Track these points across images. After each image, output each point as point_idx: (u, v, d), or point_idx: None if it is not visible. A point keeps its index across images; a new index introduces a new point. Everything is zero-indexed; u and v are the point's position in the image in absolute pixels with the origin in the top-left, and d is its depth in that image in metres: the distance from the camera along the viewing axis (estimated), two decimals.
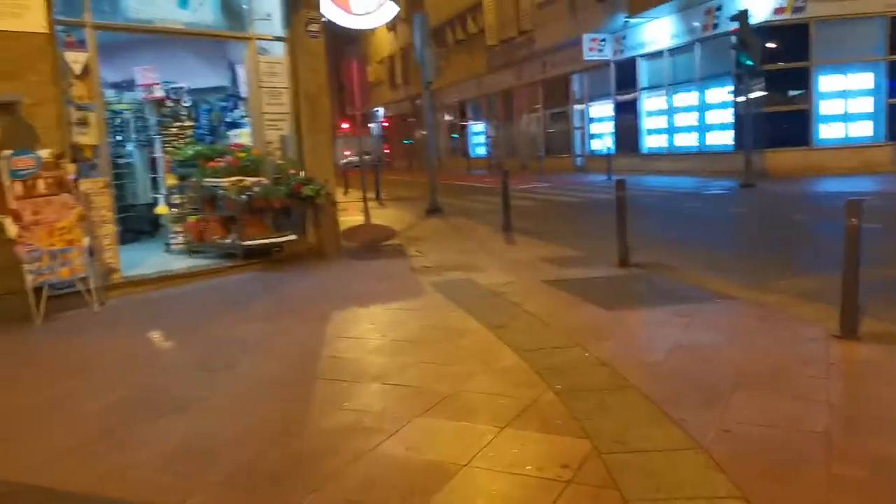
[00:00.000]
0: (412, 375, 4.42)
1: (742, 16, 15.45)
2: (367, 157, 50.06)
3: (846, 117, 18.03)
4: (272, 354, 5.12)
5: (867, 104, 17.84)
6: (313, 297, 7.02)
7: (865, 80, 17.80)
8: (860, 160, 17.59)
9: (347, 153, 48.09)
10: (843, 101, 17.98)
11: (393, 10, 10.13)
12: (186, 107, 10.43)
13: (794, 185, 16.16)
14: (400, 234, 11.34)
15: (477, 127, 38.45)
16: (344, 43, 49.63)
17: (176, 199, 9.45)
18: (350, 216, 14.04)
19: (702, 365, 4.36)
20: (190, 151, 9.20)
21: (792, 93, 17.89)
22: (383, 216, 14.51)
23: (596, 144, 26.80)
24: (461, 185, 24.49)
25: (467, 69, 35.38)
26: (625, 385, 4.04)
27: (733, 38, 18.19)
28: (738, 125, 18.84)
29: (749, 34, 15.40)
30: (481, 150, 37.40)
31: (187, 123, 10.24)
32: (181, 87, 10.29)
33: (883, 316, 5.13)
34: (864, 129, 17.95)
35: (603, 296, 6.35)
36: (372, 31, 49.85)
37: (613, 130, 25.01)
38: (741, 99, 17.68)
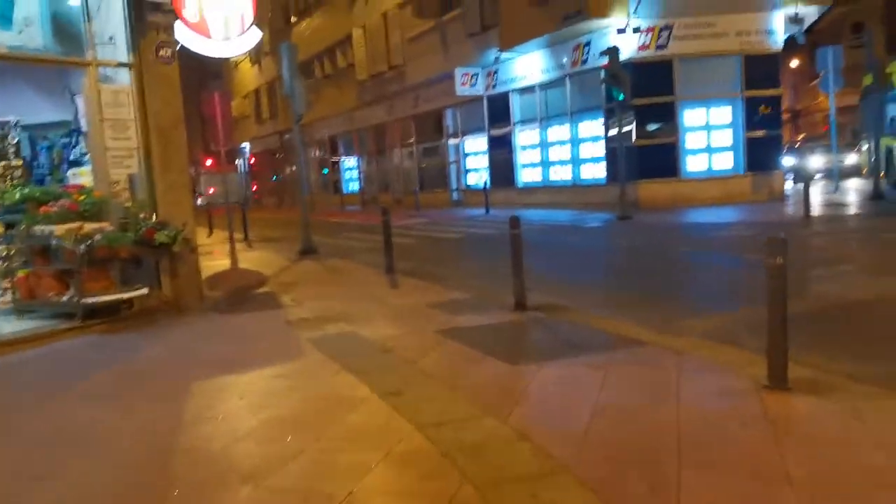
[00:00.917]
0: (293, 472, 3.53)
1: (612, 51, 15.67)
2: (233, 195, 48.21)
3: (709, 150, 18.73)
4: (111, 451, 4.05)
5: (727, 137, 18.63)
6: (168, 365, 5.93)
7: (725, 114, 18.60)
8: (723, 190, 18.26)
9: (211, 191, 45.61)
10: (706, 135, 18.67)
11: (256, 37, 9.23)
12: (14, 143, 9.00)
13: (667, 216, 16.45)
14: (272, 279, 10.31)
15: (349, 162, 37.66)
16: (206, 77, 47.62)
17: (1, 250, 8.03)
18: (215, 260, 12.82)
19: (635, 433, 3.76)
20: (17, 195, 7.84)
21: (660, 127, 18.37)
22: (252, 259, 13.38)
23: (472, 179, 26.69)
24: (335, 223, 23.57)
25: (337, 104, 34.63)
26: (555, 468, 3.35)
27: (602, 74, 18.60)
28: (610, 158, 19.16)
29: (619, 69, 15.63)
30: (354, 186, 36.59)
31: (15, 162, 8.81)
32: (6, 121, 8.88)
33: (802, 359, 4.75)
34: (726, 161, 18.71)
35: (505, 347, 5.72)
36: (235, 63, 48.19)
37: (489, 164, 24.97)
38: (613, 132, 17.97)
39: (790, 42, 18.83)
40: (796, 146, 34.64)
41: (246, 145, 51.01)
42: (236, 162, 54.91)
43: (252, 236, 18.49)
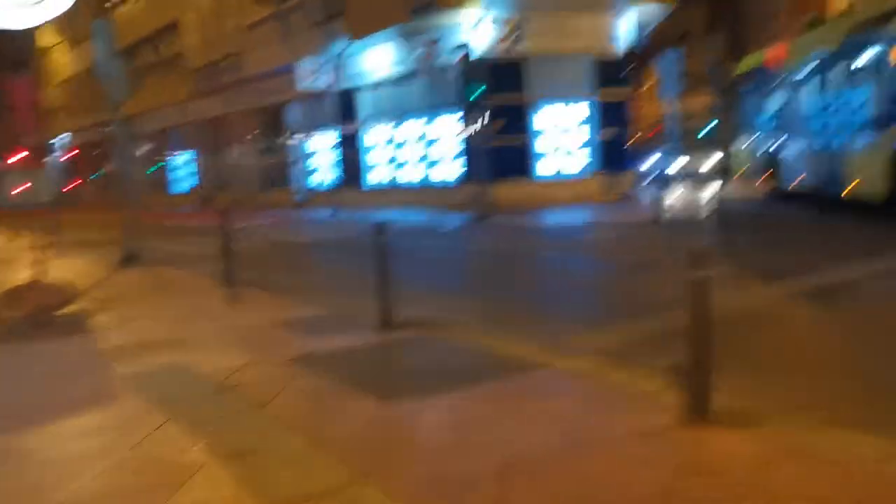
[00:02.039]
0: None
1: (464, 46, 15.07)
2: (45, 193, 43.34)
3: (561, 151, 18.69)
4: None
5: (580, 138, 18.67)
6: None
7: (577, 114, 18.62)
8: (574, 192, 18.29)
9: (16, 191, 40.48)
10: (558, 135, 18.61)
11: (62, 4, 7.64)
12: None
13: (524, 217, 16.13)
14: (85, 294, 8.65)
15: (183, 158, 34.89)
16: (8, 64, 42.54)
17: None
18: (15, 272, 10.79)
19: (562, 496, 2.92)
20: None
21: (514, 126, 18.07)
22: (64, 269, 11.39)
23: (317, 178, 25.33)
24: (166, 225, 21.42)
25: (169, 94, 31.90)
26: None
27: (450, 71, 18.03)
28: (465, 158, 18.64)
29: (472, 66, 15.05)
30: (188, 184, 33.93)
31: None
32: None
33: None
34: (578, 163, 18.75)
35: (376, 378, 4.75)
36: (47, 48, 43.34)
37: (335, 163, 23.74)
38: (467, 132, 17.46)
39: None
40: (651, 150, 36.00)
41: (66, 137, 46.19)
42: (46, 158, 49.73)
43: (67, 240, 16.16)
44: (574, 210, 16.87)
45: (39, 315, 7.46)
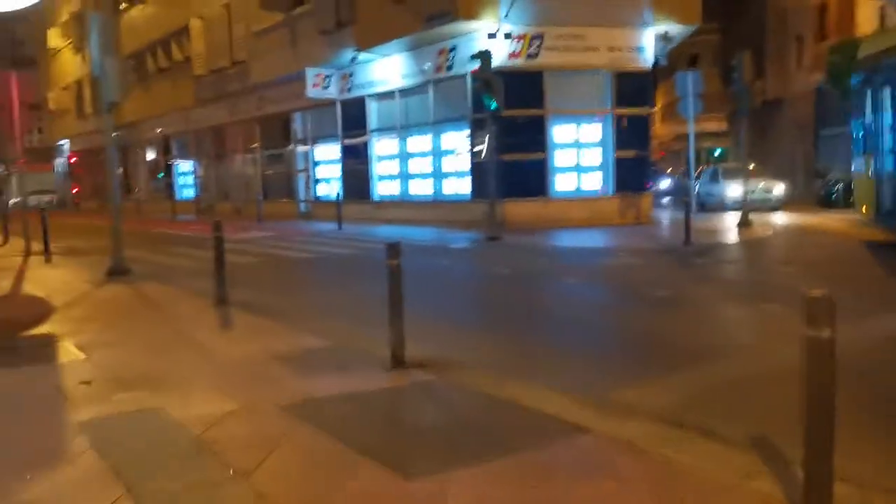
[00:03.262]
0: None
1: (484, 55, 14.28)
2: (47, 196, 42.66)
3: (578, 169, 17.86)
4: None
5: (597, 156, 17.84)
6: None
7: (595, 132, 17.80)
8: (591, 212, 17.42)
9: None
10: (575, 153, 17.79)
11: None
12: None
13: (538, 237, 15.26)
14: (60, 311, 7.80)
15: (184, 166, 34.13)
16: (16, 64, 41.94)
17: None
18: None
19: None
20: None
21: (529, 142, 17.25)
22: (45, 280, 10.61)
23: (322, 189, 24.50)
24: (163, 234, 20.61)
25: (172, 101, 31.21)
26: None
27: (468, 80, 17.26)
28: (475, 173, 17.81)
29: (492, 75, 14.26)
30: (190, 192, 33.15)
31: None
32: None
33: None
34: (594, 181, 17.91)
35: (387, 439, 3.89)
36: (55, 51, 42.80)
37: (341, 175, 22.91)
38: (480, 146, 16.66)
39: None
40: (679, 171, 35.01)
41: (66, 143, 45.59)
42: (57, 160, 49.16)
43: (57, 247, 15.32)
44: (591, 232, 16.00)
45: (3, 335, 6.61)
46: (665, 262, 11.25)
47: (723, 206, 20.55)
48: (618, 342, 6.39)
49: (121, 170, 39.38)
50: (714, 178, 22.90)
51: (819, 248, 12.59)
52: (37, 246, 14.61)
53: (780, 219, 18.23)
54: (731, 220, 16.73)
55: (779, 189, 21.61)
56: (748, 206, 15.59)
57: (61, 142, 46.21)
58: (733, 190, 20.06)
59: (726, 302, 7.81)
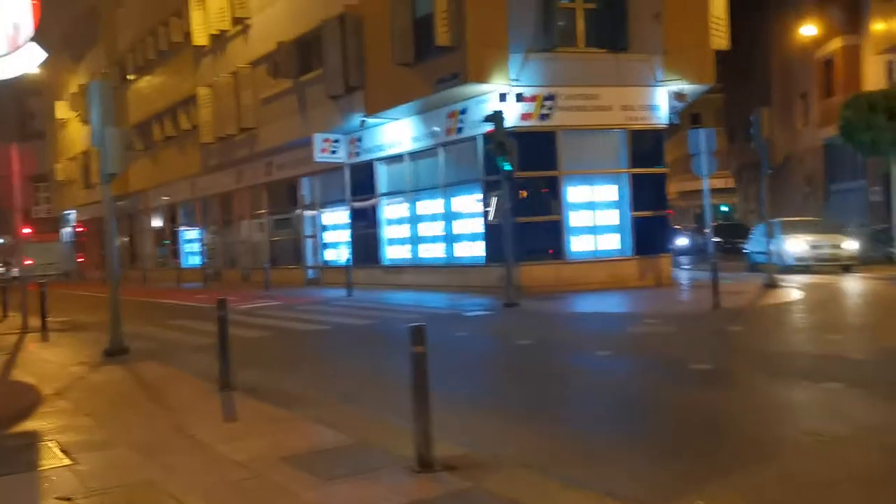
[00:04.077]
0: None
1: (497, 117, 13.92)
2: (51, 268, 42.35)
3: (595, 230, 17.31)
4: None
5: (613, 217, 17.31)
6: None
7: (610, 192, 17.33)
8: (609, 274, 16.81)
9: (28, 262, 39.79)
10: (591, 213, 17.27)
11: (34, 56, 6.45)
12: None
13: (557, 302, 14.63)
14: (49, 400, 7.14)
15: (190, 233, 33.80)
16: (26, 135, 42.29)
17: None
18: None
19: None
20: None
21: (543, 203, 16.79)
22: (38, 361, 9.97)
23: (330, 255, 23.99)
24: (167, 305, 20.03)
25: (179, 169, 31.10)
26: None
27: (480, 142, 16.92)
28: (489, 236, 17.30)
29: (505, 136, 13.86)
30: (196, 260, 32.72)
31: None
32: None
33: None
34: (612, 243, 17.34)
35: None
36: (63, 122, 43.12)
37: (350, 239, 22.42)
38: (493, 208, 16.19)
39: None
40: (695, 228, 34.17)
41: (72, 212, 45.51)
42: (63, 230, 49.02)
43: (56, 322, 14.74)
44: (611, 295, 15.35)
45: None
46: (696, 329, 10.57)
47: (780, 266, 17.90)
48: (668, 429, 5.68)
49: (127, 238, 39.14)
50: (769, 233, 19.87)
51: (870, 310, 11.91)
52: (35, 321, 14.04)
53: (853, 283, 16.54)
54: (757, 281, 16.02)
55: (850, 245, 18.94)
56: (816, 265, 14.30)
57: (68, 212, 46.15)
58: (794, 246, 18.11)
59: (778, 378, 7.10)
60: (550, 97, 16.47)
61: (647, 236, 17.08)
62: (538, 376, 8.01)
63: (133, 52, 34.26)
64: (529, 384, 7.63)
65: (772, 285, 14.71)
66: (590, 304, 14.22)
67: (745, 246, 20.34)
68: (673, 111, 18.37)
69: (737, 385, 7.03)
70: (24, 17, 6.37)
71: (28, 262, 39.50)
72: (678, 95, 16.97)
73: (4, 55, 6.18)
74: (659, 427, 5.74)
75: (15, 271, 26.12)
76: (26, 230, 39.25)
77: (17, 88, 45.75)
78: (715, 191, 39.28)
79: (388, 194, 20.95)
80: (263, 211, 27.33)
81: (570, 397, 7.01)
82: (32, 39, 6.50)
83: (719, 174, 34.71)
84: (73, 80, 40.47)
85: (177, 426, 5.93)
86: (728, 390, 6.83)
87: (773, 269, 14.95)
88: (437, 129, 18.59)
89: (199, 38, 26.97)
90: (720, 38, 17.24)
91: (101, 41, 37.30)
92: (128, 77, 34.88)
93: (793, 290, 14.68)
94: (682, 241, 32.92)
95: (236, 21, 25.03)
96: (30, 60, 6.51)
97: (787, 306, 12.58)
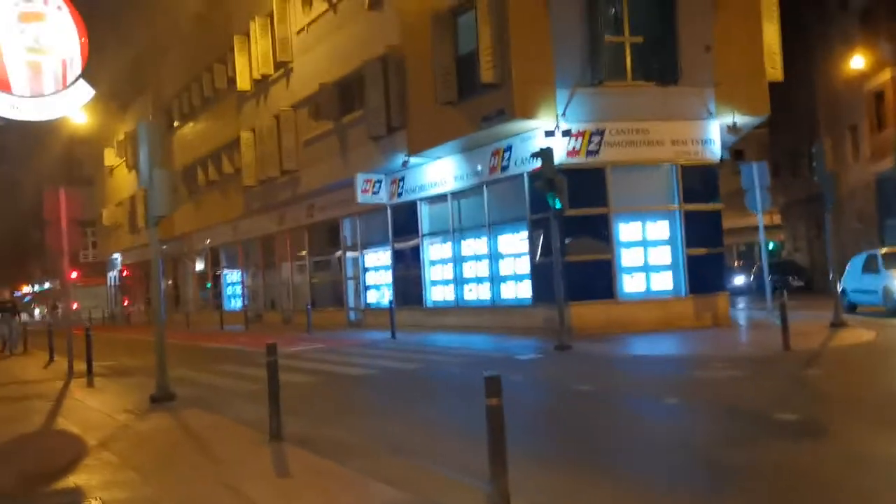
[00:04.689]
0: None
1: (546, 153, 13.55)
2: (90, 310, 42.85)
3: (647, 268, 16.71)
4: None
5: (666, 255, 16.69)
6: None
7: (662, 229, 16.74)
8: (663, 314, 16.14)
9: (75, 306, 40.47)
10: (642, 251, 16.69)
11: (84, 94, 6.27)
12: None
13: (611, 345, 14.01)
14: (94, 452, 6.81)
15: (232, 276, 33.88)
16: (74, 182, 43.33)
17: None
18: (26, 414, 9.08)
19: None
20: None
21: (593, 241, 16.27)
22: (84, 409, 9.70)
23: (372, 297, 23.67)
24: (211, 348, 19.83)
25: (221, 212, 31.30)
26: None
27: (526, 180, 16.60)
28: (536, 276, 16.82)
29: (555, 172, 13.47)
30: (237, 303, 32.71)
31: None
32: None
33: None
34: (665, 281, 16.69)
35: None
36: (111, 168, 44.09)
37: (392, 281, 22.09)
38: (539, 246, 15.76)
39: None
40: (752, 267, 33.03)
41: (118, 256, 46.21)
42: (110, 274, 49.81)
43: (102, 367, 14.56)
44: (667, 337, 14.69)
45: (25, 489, 5.61)
46: (770, 373, 9.88)
47: (890, 305, 16.20)
48: (763, 491, 5.09)
49: (170, 281, 39.47)
50: (870, 268, 17.42)
51: None
52: (80, 365, 13.90)
53: None
54: (821, 321, 15.18)
55: None
56: None
57: (114, 256, 46.88)
58: None
59: (881, 431, 6.43)
60: (598, 132, 16.09)
61: (703, 274, 16.40)
62: (606, 427, 7.45)
63: (178, 99, 34.91)
64: (598, 436, 7.08)
65: (839, 324, 13.88)
66: (647, 347, 13.58)
67: (842, 283, 17.76)
68: (727, 144, 17.85)
69: (831, 439, 6.38)
70: (73, 55, 6.23)
71: (75, 305, 40.17)
72: (731, 129, 16.43)
73: (53, 93, 6.01)
74: (762, 492, 5.13)
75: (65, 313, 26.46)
76: (74, 274, 39.95)
77: (66, 135, 47.12)
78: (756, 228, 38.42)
79: (431, 234, 20.64)
80: (305, 253, 27.23)
81: (644, 451, 6.43)
82: (81, 77, 6.35)
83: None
84: (120, 127, 41.39)
85: (226, 484, 5.53)
86: (823, 446, 6.18)
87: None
88: (480, 167, 18.30)
89: (243, 82, 27.31)
90: (774, 69, 16.75)
91: (148, 89, 38.14)
92: (174, 124, 35.51)
93: (860, 329, 13.85)
94: (736, 280, 31.96)
95: (279, 65, 25.29)
96: (78, 98, 6.35)
97: (863, 347, 11.80)
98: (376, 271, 23.51)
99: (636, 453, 6.33)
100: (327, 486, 5.35)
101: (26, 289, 77.45)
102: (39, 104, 6.03)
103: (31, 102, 5.97)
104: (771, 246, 48.91)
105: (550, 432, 7.57)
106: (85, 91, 6.39)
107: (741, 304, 24.75)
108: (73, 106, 6.46)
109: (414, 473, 5.62)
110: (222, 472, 5.92)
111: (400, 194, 21.27)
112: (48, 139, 54.76)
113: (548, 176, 13.40)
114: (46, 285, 66.93)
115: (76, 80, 6.23)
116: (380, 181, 21.33)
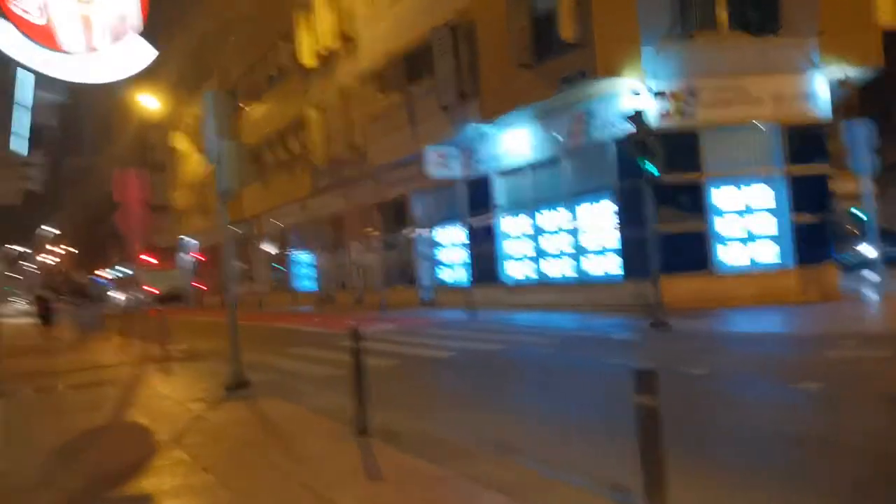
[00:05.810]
0: None
1: (638, 115, 12.40)
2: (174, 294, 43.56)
3: (746, 238, 15.37)
4: None
5: (768, 223, 15.31)
6: None
7: (764, 194, 15.35)
8: (765, 288, 14.83)
9: (153, 290, 41.02)
10: (741, 220, 15.35)
11: (142, 51, 5.58)
12: None
13: (713, 321, 12.86)
14: (164, 448, 6.20)
15: (302, 256, 33.69)
16: (147, 167, 43.90)
17: None
18: (98, 405, 8.61)
19: None
20: None
21: (685, 210, 15.04)
22: (156, 398, 9.20)
23: (446, 274, 22.92)
24: (284, 330, 19.44)
25: (289, 192, 31.03)
26: None
27: (612, 146, 15.46)
28: (626, 249, 15.70)
29: (649, 135, 12.31)
30: (308, 283, 32.51)
31: None
32: None
33: None
34: (767, 252, 15.33)
35: None
36: (181, 152, 44.53)
37: (468, 258, 21.24)
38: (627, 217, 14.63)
39: None
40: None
41: (191, 240, 46.79)
42: (181, 257, 50.59)
43: (176, 350, 14.23)
44: (773, 312, 13.42)
45: (92, 494, 5.01)
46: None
47: None
48: None
49: (243, 263, 39.64)
50: None
51: None
52: (154, 349, 13.60)
53: None
54: None
55: None
56: None
57: (186, 238, 47.53)
58: None
59: None
60: (690, 91, 14.80)
61: (810, 244, 14.98)
62: (743, 420, 6.40)
63: (244, 80, 34.73)
64: (737, 430, 6.06)
65: None
66: (754, 324, 12.37)
67: None
68: (839, 100, 16.23)
69: None
70: (131, 9, 5.54)
71: (152, 290, 40.77)
72: (843, 82, 14.84)
73: (108, 48, 5.34)
74: None
75: (140, 296, 26.64)
76: (149, 258, 40.57)
77: (138, 120, 47.81)
78: (850, 195, 35.89)
79: (508, 208, 19.67)
80: (375, 231, 26.66)
81: (799, 451, 5.41)
82: (139, 36, 5.66)
83: (849, 175, 31.53)
84: (187, 110, 41.67)
85: (311, 489, 4.79)
86: None
87: None
88: (559, 134, 17.19)
89: (307, 58, 26.76)
90: (887, 13, 15.06)
91: (214, 73, 38.14)
92: (240, 106, 35.38)
93: None
94: (862, 249, 29.82)
95: (343, 38, 24.59)
96: (137, 58, 5.68)
97: None
98: (449, 248, 22.72)
99: (792, 455, 5.31)
100: (429, 494, 4.56)
101: (106, 272, 80.00)
102: (92, 62, 5.39)
103: (83, 60, 5.33)
104: (858, 212, 45.87)
105: (675, 427, 6.58)
106: (144, 51, 5.72)
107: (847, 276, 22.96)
108: (130, 66, 5.80)
109: (528, 479, 4.77)
110: (306, 472, 5.19)
111: (472, 167, 20.34)
112: (123, 127, 55.84)
113: (641, 140, 12.25)
114: (125, 270, 68.78)
115: (134, 35, 5.54)
116: (451, 154, 20.42)
